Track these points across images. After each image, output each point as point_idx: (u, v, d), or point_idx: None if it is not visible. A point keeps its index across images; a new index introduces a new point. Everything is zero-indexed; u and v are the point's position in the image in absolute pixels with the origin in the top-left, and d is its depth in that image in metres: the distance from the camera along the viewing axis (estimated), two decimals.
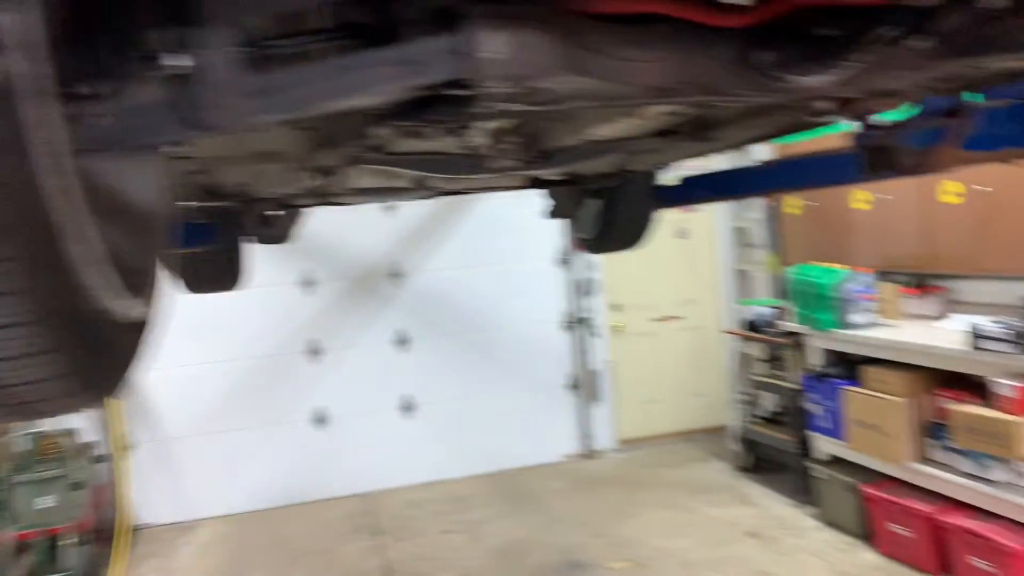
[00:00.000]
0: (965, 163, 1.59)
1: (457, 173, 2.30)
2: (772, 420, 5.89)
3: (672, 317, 7.09)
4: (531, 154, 2.10)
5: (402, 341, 6.47)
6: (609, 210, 3.52)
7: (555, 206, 3.70)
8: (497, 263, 6.63)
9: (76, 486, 5.03)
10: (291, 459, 6.27)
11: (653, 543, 5.01)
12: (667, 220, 7.13)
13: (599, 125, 1.90)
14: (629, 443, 6.99)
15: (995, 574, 3.80)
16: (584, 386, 6.86)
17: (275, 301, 6.18)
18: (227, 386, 6.15)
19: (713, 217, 7.12)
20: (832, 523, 4.98)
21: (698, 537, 5.05)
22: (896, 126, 1.55)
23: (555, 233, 6.62)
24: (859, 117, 1.56)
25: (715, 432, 6.84)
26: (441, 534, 5.46)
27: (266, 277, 5.99)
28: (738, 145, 2.49)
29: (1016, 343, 3.67)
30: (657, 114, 1.87)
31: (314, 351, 6.32)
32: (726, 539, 4.98)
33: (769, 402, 5.99)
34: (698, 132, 2.10)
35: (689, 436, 7.07)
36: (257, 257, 5.86)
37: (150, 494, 5.98)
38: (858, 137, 1.55)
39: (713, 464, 6.42)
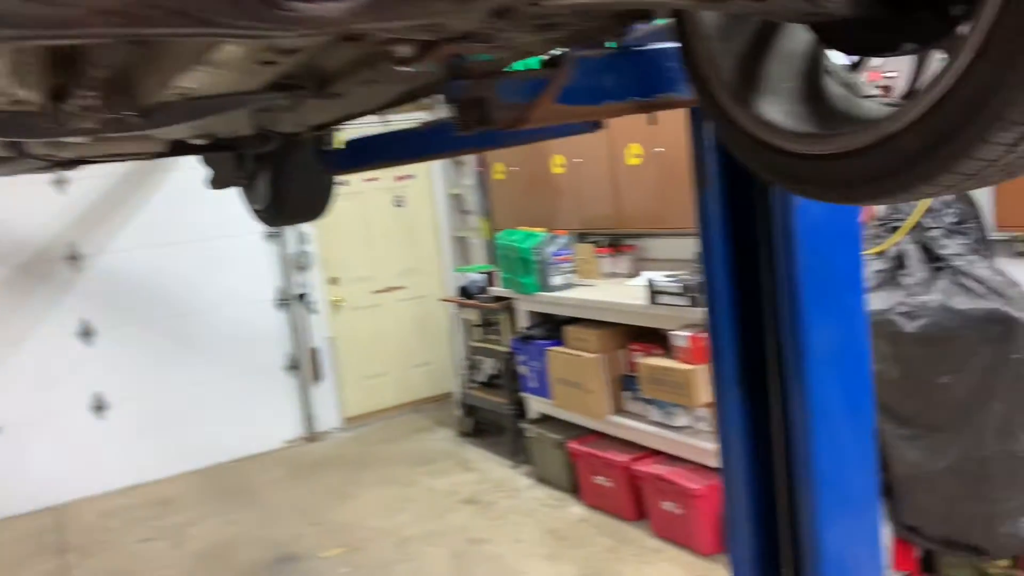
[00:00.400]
0: (565, 117, 1.49)
1: (33, 135, 1.90)
2: (489, 384, 5.92)
3: (393, 288, 6.92)
4: (119, 111, 1.76)
5: (88, 333, 5.76)
6: (278, 178, 3.22)
7: (214, 175, 3.34)
8: (197, 239, 6.06)
9: None
10: None
11: (371, 524, 4.84)
12: (384, 188, 6.96)
13: (178, 74, 1.60)
14: (355, 420, 6.77)
15: (682, 515, 4.01)
16: (304, 366, 6.52)
17: None
18: None
19: (431, 184, 7.01)
20: (545, 480, 5.08)
21: (417, 511, 4.95)
22: (488, 76, 1.40)
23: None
24: (450, 67, 1.40)
25: (443, 400, 6.81)
26: (139, 543, 4.93)
27: None
28: (383, 106, 2.31)
29: (687, 296, 3.86)
30: (247, 63, 1.62)
31: None
32: (444, 509, 4.92)
33: (487, 367, 6.01)
34: (320, 88, 1.88)
35: (417, 407, 6.98)
36: None
37: None
38: (446, 89, 1.39)
39: (439, 433, 6.37)
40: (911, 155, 1.05)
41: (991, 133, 0.97)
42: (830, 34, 1.26)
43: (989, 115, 0.97)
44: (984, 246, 3.06)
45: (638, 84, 1.53)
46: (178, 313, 6.02)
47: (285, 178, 3.23)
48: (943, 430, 2.98)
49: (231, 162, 3.21)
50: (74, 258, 5.71)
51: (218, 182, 3.35)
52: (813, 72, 1.31)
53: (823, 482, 2.02)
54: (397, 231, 6.92)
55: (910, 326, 2.92)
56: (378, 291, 6.86)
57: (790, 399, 2.07)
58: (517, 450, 5.44)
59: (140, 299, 5.90)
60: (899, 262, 3.10)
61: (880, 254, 3.21)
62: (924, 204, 3.14)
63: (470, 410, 6.08)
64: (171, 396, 6.00)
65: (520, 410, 5.42)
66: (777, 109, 1.27)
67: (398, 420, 6.81)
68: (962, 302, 2.81)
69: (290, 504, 5.30)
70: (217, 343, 6.17)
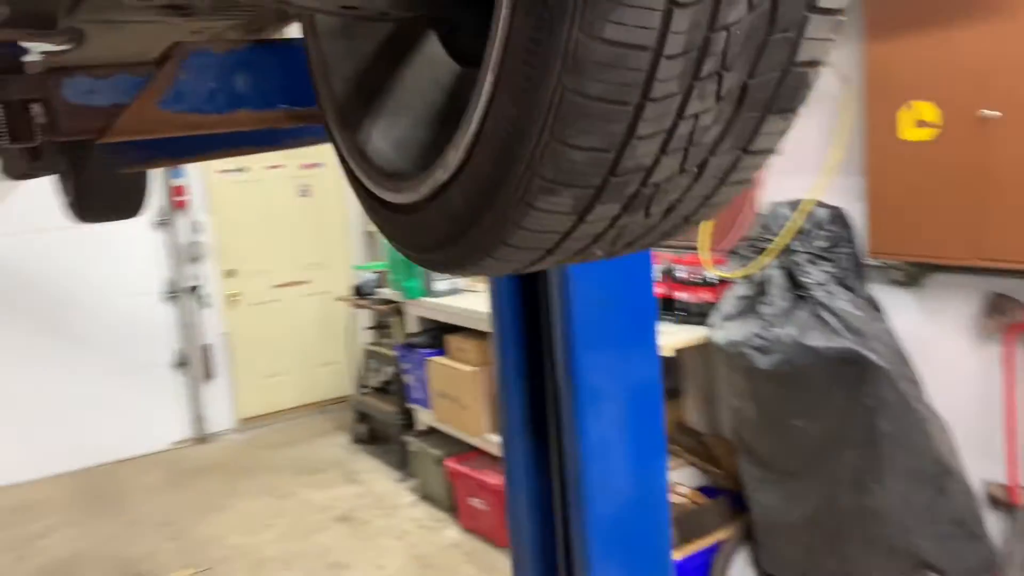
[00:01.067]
0: (176, 128, 1.15)
1: None
2: (382, 390, 5.59)
3: (296, 283, 6.56)
4: None
5: None
6: (75, 169, 2.85)
7: (4, 162, 2.96)
8: (75, 226, 5.63)
9: None
10: None
11: (232, 541, 4.50)
12: (289, 176, 6.58)
13: None
14: (251, 422, 6.41)
15: None
16: (194, 363, 6.14)
17: None
18: None
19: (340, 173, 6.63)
20: (428, 498, 4.77)
21: (285, 528, 4.62)
22: (56, 71, 1.06)
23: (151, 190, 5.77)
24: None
25: (344, 403, 6.47)
26: None
27: None
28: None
29: None
30: None
31: None
32: (314, 527, 4.59)
33: (381, 372, 5.67)
34: None
35: (321, 407, 6.64)
36: None
37: None
38: None
39: (335, 439, 6.03)
40: (459, 215, 0.74)
41: (532, 195, 0.67)
42: (448, 39, 0.94)
43: (520, 170, 0.66)
44: (855, 274, 2.77)
45: (290, 87, 1.20)
46: (54, 304, 5.62)
47: (86, 170, 2.86)
48: (799, 477, 2.69)
49: (22, 151, 2.83)
50: None
51: (9, 170, 2.97)
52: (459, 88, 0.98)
53: (595, 524, 1.79)
54: (302, 222, 6.55)
55: (764, 361, 2.62)
56: (279, 285, 6.50)
57: (565, 441, 1.83)
58: (405, 463, 5.12)
59: (10, 288, 5.49)
60: (762, 288, 2.81)
61: (746, 278, 2.91)
62: (794, 224, 2.85)
63: (363, 417, 5.75)
64: (45, 393, 5.60)
65: (409, 420, 5.10)
66: (389, 137, 0.95)
67: (297, 422, 6.47)
68: (817, 338, 2.52)
69: (156, 515, 4.94)
70: (97, 337, 5.78)
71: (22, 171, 2.99)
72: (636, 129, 0.65)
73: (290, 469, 5.50)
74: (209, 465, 5.74)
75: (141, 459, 5.88)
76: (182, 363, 6.12)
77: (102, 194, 2.93)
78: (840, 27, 0.69)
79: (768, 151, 0.74)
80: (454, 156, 0.72)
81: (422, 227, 0.81)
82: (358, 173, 0.93)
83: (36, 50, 1.14)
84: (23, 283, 5.52)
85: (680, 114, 0.65)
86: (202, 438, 6.21)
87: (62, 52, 1.14)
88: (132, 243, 5.85)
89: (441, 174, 0.74)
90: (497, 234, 0.72)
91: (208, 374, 6.20)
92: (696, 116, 0.66)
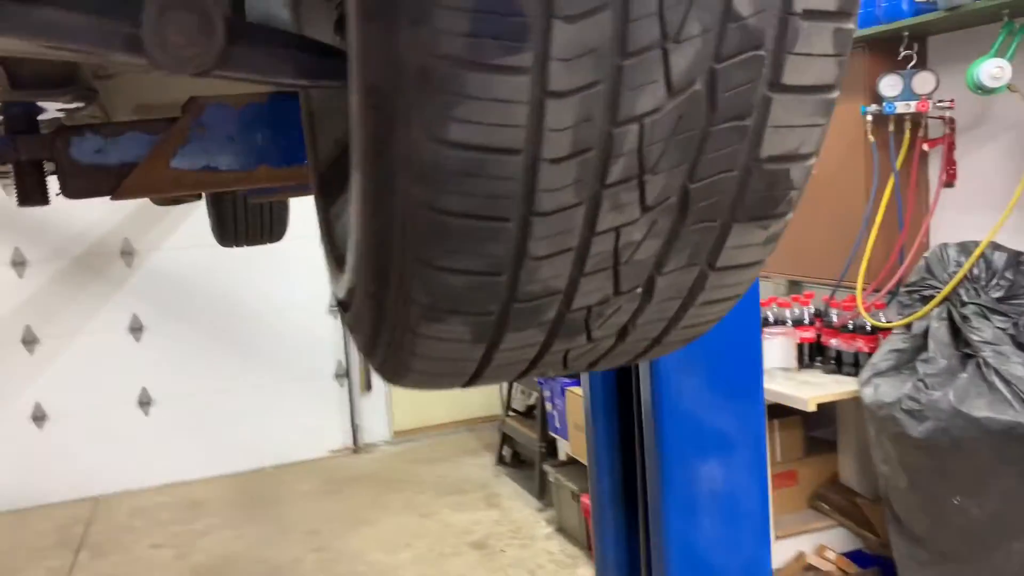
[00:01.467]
0: (193, 186, 1.09)
1: None
2: (527, 414, 5.51)
3: None
4: None
5: (140, 329, 5.81)
6: (213, 199, 2.97)
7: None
8: None
9: None
10: (5, 460, 5.57)
11: (372, 557, 4.57)
12: None
13: None
14: (404, 435, 6.53)
15: None
16: (353, 375, 6.35)
17: None
18: None
19: None
20: (563, 530, 4.63)
21: (422, 549, 4.63)
22: (64, 131, 1.03)
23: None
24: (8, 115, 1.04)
25: (493, 422, 6.45)
26: (149, 548, 4.90)
27: None
28: None
29: None
30: None
31: (30, 340, 5.61)
32: (449, 552, 4.58)
33: (527, 395, 5.60)
34: None
35: (471, 425, 6.66)
36: None
37: None
38: None
39: (481, 458, 6.02)
40: (366, 327, 0.65)
41: (414, 322, 0.58)
42: None
43: (393, 294, 0.58)
44: None
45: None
46: (230, 313, 5.99)
47: (222, 200, 2.98)
48: (957, 561, 2.33)
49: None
50: (128, 253, 5.78)
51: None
52: None
53: None
54: None
55: (916, 428, 2.29)
56: None
57: (652, 538, 1.64)
58: (544, 492, 5.01)
59: (191, 298, 5.90)
60: (921, 343, 2.46)
61: (904, 329, 2.57)
62: (964, 270, 2.48)
63: (507, 439, 5.69)
64: (217, 397, 5.98)
65: (552, 447, 4.98)
66: (345, 219, 0.85)
67: (447, 438, 6.52)
68: (982, 407, 2.16)
69: (306, 522, 5.11)
70: (266, 345, 6.10)
71: (164, 202, 3.16)
72: (528, 249, 0.52)
73: (435, 487, 5.53)
74: (362, 476, 5.89)
75: (300, 465, 6.13)
76: (343, 374, 6.33)
77: (241, 221, 3.03)
78: (830, 106, 0.50)
79: (752, 264, 0.56)
80: (351, 261, 0.60)
81: (351, 324, 0.70)
82: (323, 247, 0.83)
83: (52, 108, 1.12)
84: (203, 293, 5.92)
85: (591, 229, 0.52)
86: (357, 448, 6.39)
87: (75, 110, 1.13)
88: (301, 258, 6.11)
89: (350, 277, 0.63)
90: (400, 356, 0.62)
91: (367, 386, 6.38)
92: (616, 230, 0.52)
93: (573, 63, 0.47)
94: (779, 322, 3.26)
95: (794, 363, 3.26)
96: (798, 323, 3.27)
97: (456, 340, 0.58)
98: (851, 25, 0.52)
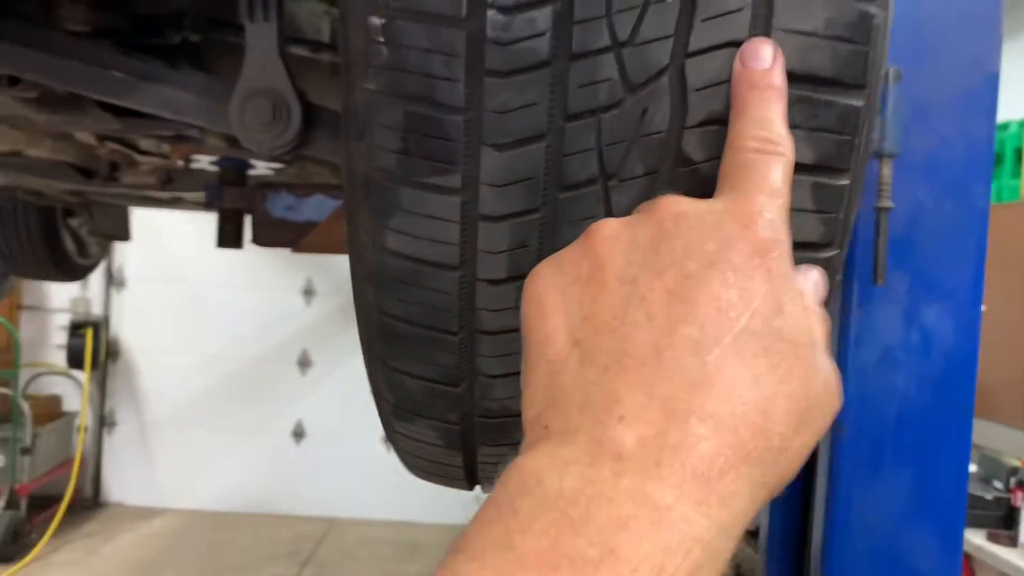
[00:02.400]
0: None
1: None
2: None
3: None
4: None
5: None
6: None
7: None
8: None
9: (25, 451, 5.13)
10: (264, 468, 6.14)
11: None
12: None
13: None
14: None
15: None
16: None
17: (272, 305, 6.11)
18: (214, 381, 6.14)
19: None
20: None
21: None
22: (263, 187, 1.08)
23: None
24: (222, 168, 1.11)
25: None
26: None
27: (266, 280, 5.95)
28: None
29: None
30: None
31: (304, 363, 6.18)
32: None
33: None
34: None
35: None
36: (260, 261, 5.85)
37: (123, 473, 6.06)
38: (207, 191, 1.10)
39: None
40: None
41: (388, 417, 0.66)
42: None
43: (374, 387, 0.65)
44: None
45: None
46: None
47: None
48: None
49: None
50: None
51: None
52: None
53: None
54: None
55: None
56: None
57: None
58: None
59: None
60: None
61: None
62: None
63: None
64: None
65: None
66: None
67: None
68: None
69: None
70: None
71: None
72: (478, 366, 0.54)
73: None
74: None
75: None
76: None
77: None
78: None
79: None
80: None
81: None
82: None
83: (261, 166, 1.18)
84: None
85: None
86: None
87: (280, 169, 1.18)
88: None
89: None
90: (395, 448, 0.69)
91: None
92: None
93: (505, 190, 0.47)
94: None
95: None
96: None
97: (430, 444, 0.61)
98: (841, 181, 0.49)
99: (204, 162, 1.34)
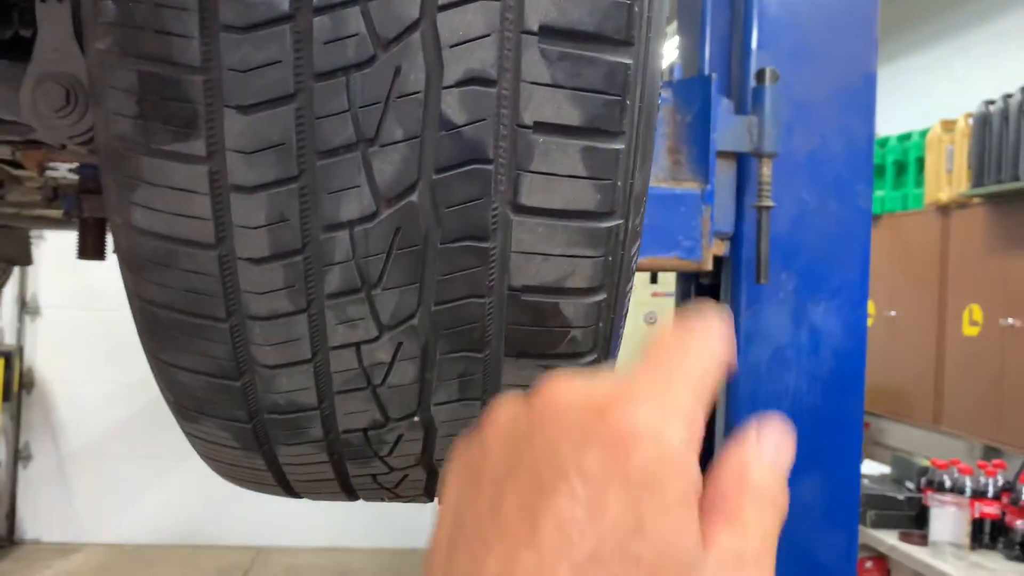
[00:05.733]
0: None
1: None
2: None
3: None
4: None
5: None
6: None
7: None
8: None
9: None
10: (188, 497, 5.94)
11: None
12: (637, 302, 6.48)
13: None
14: None
15: None
16: None
17: None
18: (136, 409, 5.93)
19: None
20: None
21: None
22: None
23: None
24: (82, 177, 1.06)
25: None
26: None
27: None
28: None
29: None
30: None
31: None
32: None
33: None
34: None
35: None
36: None
37: (40, 508, 5.81)
38: (65, 203, 1.07)
39: None
40: None
41: (179, 416, 0.61)
42: None
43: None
44: None
45: None
46: None
47: None
48: None
49: None
50: None
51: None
52: None
53: None
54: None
55: None
56: None
57: None
58: None
59: None
60: None
61: None
62: None
63: None
64: None
65: None
66: None
67: None
68: None
69: None
70: None
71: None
72: (254, 356, 0.50)
73: None
74: None
75: None
76: None
77: None
78: (599, 237, 0.48)
79: None
80: None
81: None
82: None
83: None
84: None
85: (323, 342, 0.48)
86: None
87: None
88: None
89: None
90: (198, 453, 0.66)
91: None
92: (356, 347, 0.49)
93: (255, 157, 0.44)
94: (956, 489, 2.87)
95: (965, 539, 2.81)
96: (979, 495, 2.85)
97: (226, 446, 0.56)
98: (615, 145, 0.46)
99: (63, 170, 1.28)
